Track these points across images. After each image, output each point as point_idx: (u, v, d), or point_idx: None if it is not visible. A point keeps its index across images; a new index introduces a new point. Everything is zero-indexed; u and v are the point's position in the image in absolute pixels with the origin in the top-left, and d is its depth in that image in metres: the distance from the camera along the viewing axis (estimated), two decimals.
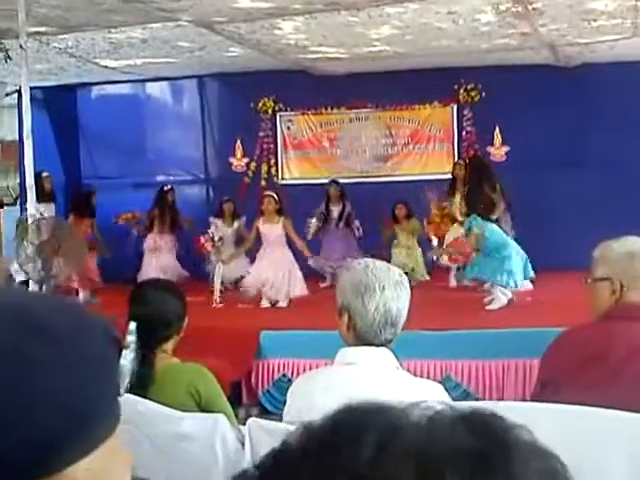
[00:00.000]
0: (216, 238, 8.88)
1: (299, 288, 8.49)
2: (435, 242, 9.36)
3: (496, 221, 8.11)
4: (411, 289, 2.37)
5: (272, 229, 8.50)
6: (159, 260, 9.97)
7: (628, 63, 9.76)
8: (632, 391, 2.36)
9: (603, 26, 7.93)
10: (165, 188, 10.23)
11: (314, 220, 9.76)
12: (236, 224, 10.03)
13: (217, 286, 8.68)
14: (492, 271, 7.66)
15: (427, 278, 9.65)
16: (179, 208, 10.38)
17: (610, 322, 2.53)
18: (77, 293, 9.27)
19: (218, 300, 8.56)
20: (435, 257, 9.23)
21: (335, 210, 10.06)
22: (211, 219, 10.00)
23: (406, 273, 2.47)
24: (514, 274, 7.67)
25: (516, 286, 7.74)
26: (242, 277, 9.01)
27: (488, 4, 7.04)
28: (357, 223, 10.00)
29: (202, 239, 8.95)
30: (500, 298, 7.73)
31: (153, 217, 10.13)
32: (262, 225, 8.57)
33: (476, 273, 7.92)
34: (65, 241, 5.99)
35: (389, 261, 10.07)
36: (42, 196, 8.58)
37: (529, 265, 7.83)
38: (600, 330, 2.56)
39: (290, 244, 8.65)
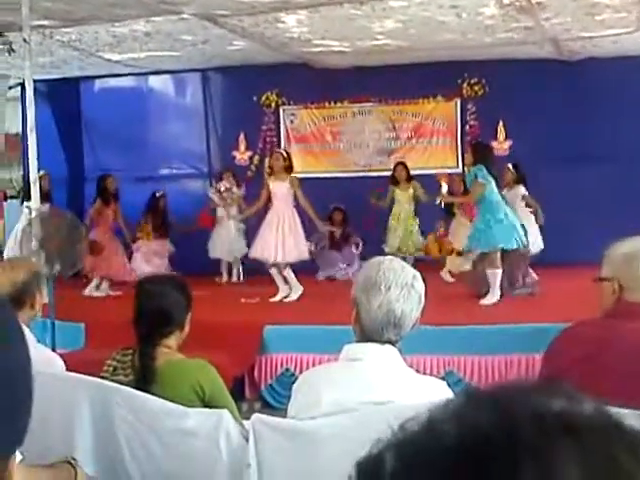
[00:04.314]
0: (222, 189, 8.85)
1: (301, 250, 8.27)
2: (445, 189, 9.03)
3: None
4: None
5: (280, 186, 8.23)
6: (150, 264, 9.81)
7: (631, 57, 9.73)
8: (620, 389, 2.37)
9: (607, 20, 7.91)
10: (157, 194, 10.10)
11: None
12: (236, 191, 10.04)
13: (224, 259, 8.81)
14: (497, 238, 7.67)
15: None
16: (180, 203, 10.37)
17: (609, 320, 2.59)
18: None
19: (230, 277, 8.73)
20: (439, 201, 8.99)
21: (337, 233, 10.26)
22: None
23: (403, 258, 2.46)
24: (517, 232, 7.74)
25: (527, 241, 7.84)
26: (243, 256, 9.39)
27: None
28: (357, 239, 10.16)
29: (210, 193, 9.27)
30: (495, 293, 7.70)
31: (146, 222, 9.99)
32: (272, 183, 8.31)
33: (484, 244, 7.78)
34: (64, 235, 6.00)
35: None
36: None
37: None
38: (599, 327, 2.60)
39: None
